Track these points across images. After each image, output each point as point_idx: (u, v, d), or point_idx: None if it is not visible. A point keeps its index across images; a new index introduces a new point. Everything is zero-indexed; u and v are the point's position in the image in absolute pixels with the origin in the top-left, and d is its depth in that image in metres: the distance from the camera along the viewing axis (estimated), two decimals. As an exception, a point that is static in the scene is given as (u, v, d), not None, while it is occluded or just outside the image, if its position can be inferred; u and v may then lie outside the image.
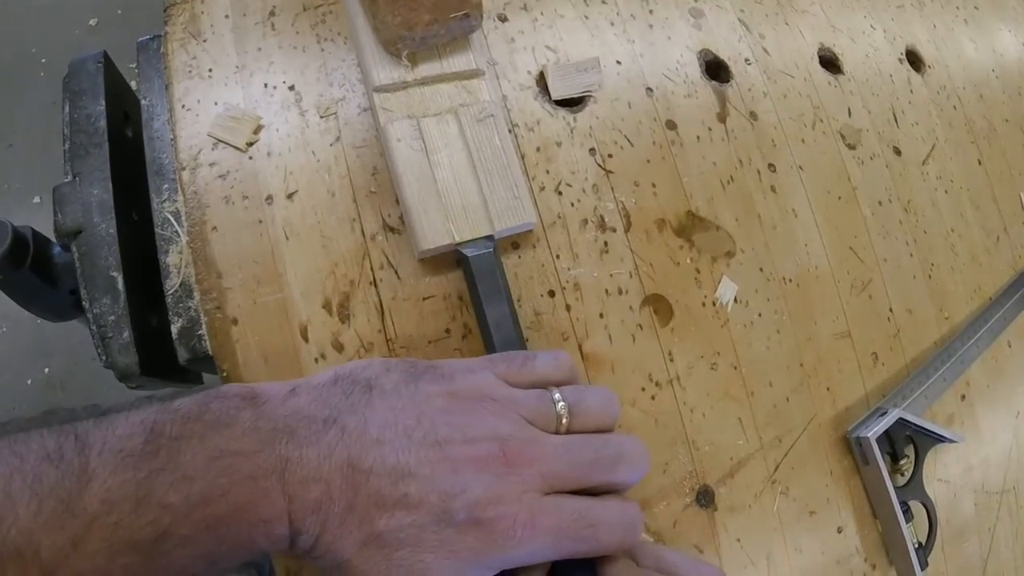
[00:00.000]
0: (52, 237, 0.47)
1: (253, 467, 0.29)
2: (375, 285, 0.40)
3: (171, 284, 0.40)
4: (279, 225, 0.41)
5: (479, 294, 0.38)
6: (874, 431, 0.46)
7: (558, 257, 0.43)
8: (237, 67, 0.44)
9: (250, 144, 0.42)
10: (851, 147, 0.54)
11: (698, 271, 0.46)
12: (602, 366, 0.42)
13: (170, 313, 0.40)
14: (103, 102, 0.47)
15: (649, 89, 0.49)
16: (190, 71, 0.44)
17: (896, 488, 0.47)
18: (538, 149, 0.45)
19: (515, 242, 0.43)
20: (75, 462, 0.27)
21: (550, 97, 0.46)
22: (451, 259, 0.41)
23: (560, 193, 0.44)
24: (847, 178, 0.53)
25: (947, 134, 0.61)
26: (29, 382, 1.35)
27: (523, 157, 0.44)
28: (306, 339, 0.39)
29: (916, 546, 0.47)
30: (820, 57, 0.57)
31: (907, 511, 0.47)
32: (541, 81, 0.47)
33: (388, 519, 0.30)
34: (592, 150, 0.46)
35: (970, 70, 0.66)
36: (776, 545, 0.44)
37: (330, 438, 0.30)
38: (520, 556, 0.31)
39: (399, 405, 0.32)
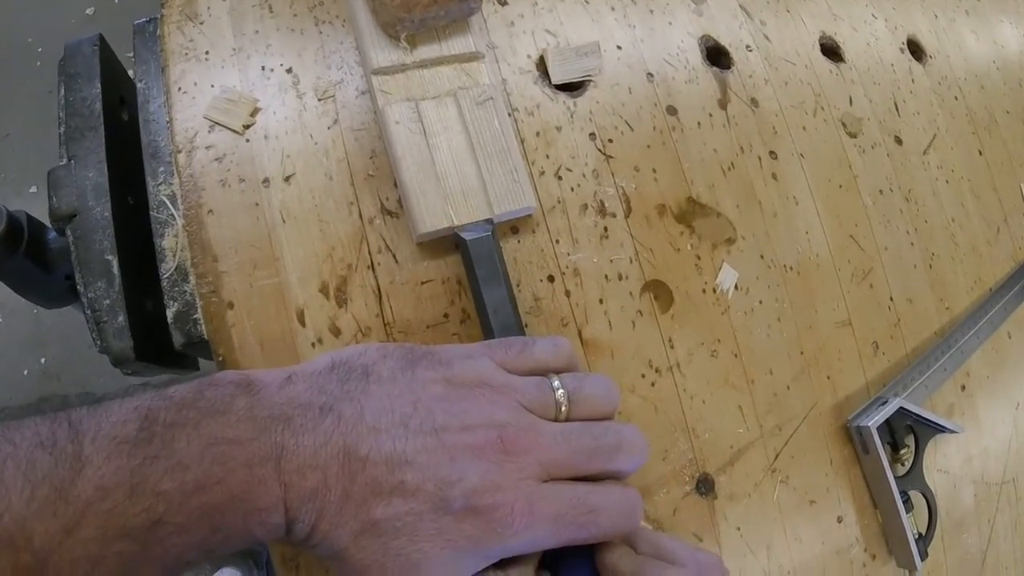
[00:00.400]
0: (48, 224, 0.46)
1: (248, 455, 0.29)
2: (373, 269, 0.40)
3: (166, 268, 0.40)
4: (276, 208, 0.40)
5: (477, 278, 0.38)
6: (875, 420, 0.46)
7: (558, 242, 0.43)
8: (234, 49, 0.43)
9: (247, 127, 0.41)
10: (852, 135, 0.54)
11: (698, 257, 0.45)
12: (601, 352, 0.42)
13: (165, 297, 0.39)
14: (99, 85, 0.46)
15: (650, 74, 0.48)
16: (186, 53, 0.43)
17: (896, 478, 0.46)
18: (538, 133, 0.44)
19: (514, 227, 0.42)
20: (69, 449, 0.26)
21: (550, 81, 0.46)
22: (450, 243, 0.41)
23: (560, 178, 0.44)
24: (848, 166, 0.53)
25: (948, 124, 0.61)
26: (25, 372, 1.34)
27: (523, 141, 0.44)
28: (303, 323, 0.39)
29: (916, 536, 0.46)
30: (821, 45, 0.56)
31: (907, 501, 0.47)
32: (541, 65, 0.46)
33: (385, 507, 0.29)
34: (592, 135, 0.45)
35: (971, 61, 0.66)
36: (776, 534, 0.44)
37: (326, 426, 0.30)
38: (519, 544, 0.31)
39: (396, 392, 0.32)
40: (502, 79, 0.45)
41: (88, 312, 0.41)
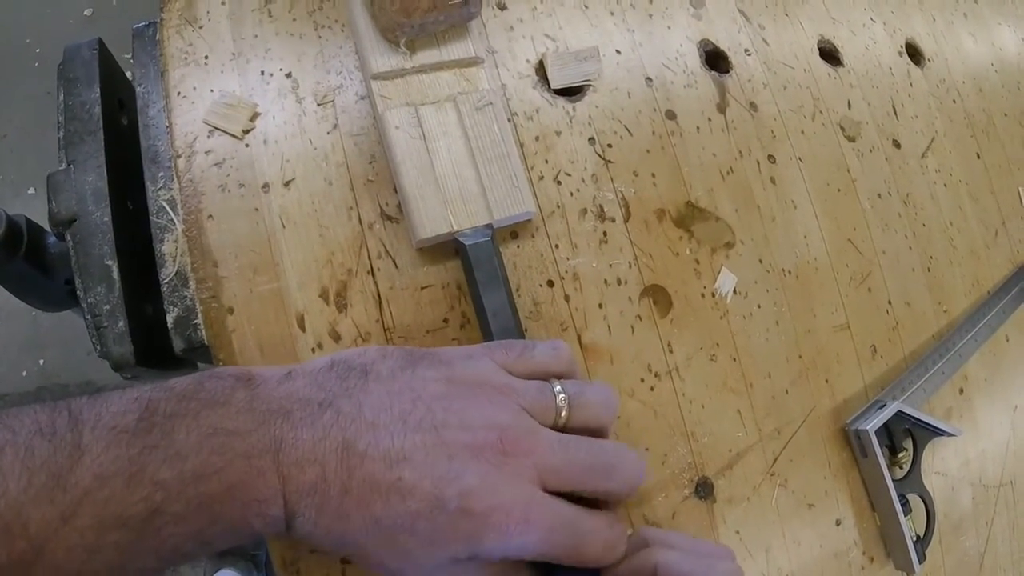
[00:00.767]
0: (47, 227, 0.46)
1: (247, 446, 0.29)
2: (372, 274, 0.40)
3: (166, 273, 0.40)
4: (276, 213, 0.40)
5: (477, 283, 0.38)
6: (873, 424, 0.46)
7: (557, 247, 0.43)
8: (233, 54, 0.43)
9: (246, 132, 0.41)
10: (851, 139, 0.54)
11: (697, 262, 0.45)
12: (601, 357, 0.42)
13: (165, 302, 0.39)
14: (98, 89, 0.46)
15: (649, 79, 0.48)
16: (186, 58, 0.43)
17: (895, 481, 0.46)
18: (537, 138, 0.44)
19: (514, 232, 0.42)
20: (68, 437, 0.26)
21: (549, 86, 0.46)
22: (449, 248, 0.41)
23: (559, 182, 0.44)
24: (846, 170, 0.53)
25: (946, 127, 0.61)
26: (24, 374, 1.34)
27: (522, 146, 0.44)
28: (303, 328, 0.39)
29: (914, 539, 0.46)
30: (820, 49, 0.57)
31: (905, 504, 0.47)
32: (540, 70, 0.46)
33: (384, 504, 0.30)
34: (591, 139, 0.45)
35: (969, 64, 0.66)
36: (775, 538, 0.44)
37: (325, 420, 0.30)
38: (509, 549, 0.31)
39: (395, 389, 0.32)
40: (501, 84, 0.45)
41: (88, 317, 0.41)
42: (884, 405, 0.48)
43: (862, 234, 0.52)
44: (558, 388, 0.34)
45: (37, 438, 0.26)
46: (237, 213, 0.40)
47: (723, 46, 0.52)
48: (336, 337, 0.39)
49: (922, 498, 0.49)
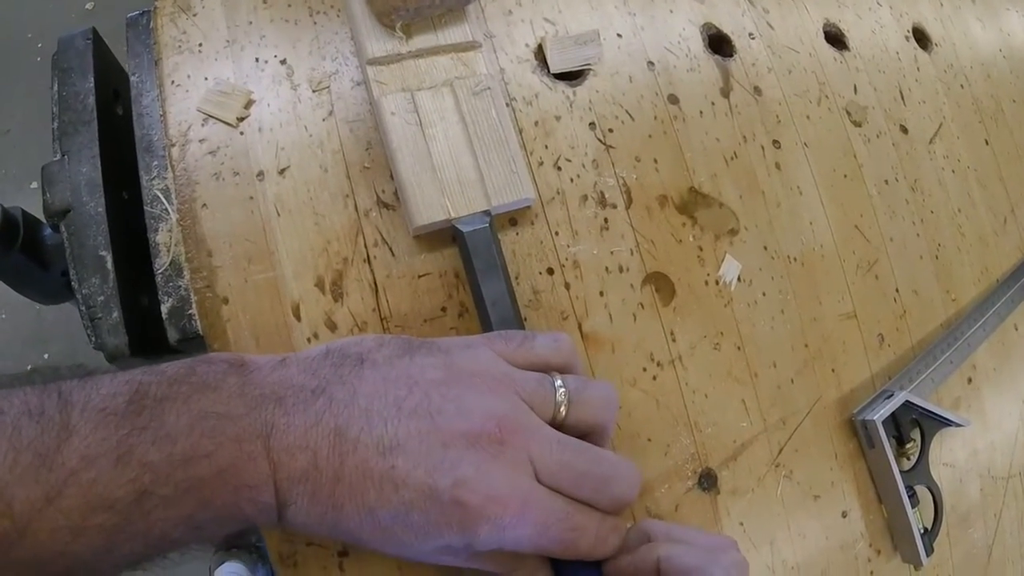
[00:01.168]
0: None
1: (238, 430, 0.28)
2: (369, 262, 0.39)
3: (161, 263, 0.39)
4: (270, 202, 0.40)
5: (475, 271, 0.37)
6: (880, 414, 0.45)
7: (557, 234, 0.42)
8: (228, 41, 0.43)
9: (241, 119, 0.41)
10: (857, 124, 0.53)
11: (701, 249, 0.45)
12: (602, 346, 0.41)
13: (160, 293, 0.39)
14: (92, 80, 0.45)
15: (650, 63, 0.48)
16: (179, 46, 0.43)
17: (902, 472, 0.46)
18: (536, 123, 0.44)
19: (513, 218, 0.42)
20: (56, 418, 0.26)
21: (549, 70, 0.45)
22: (447, 236, 0.40)
23: (559, 168, 0.43)
24: (853, 156, 0.52)
25: (954, 113, 0.60)
26: (29, 368, 1.34)
27: (521, 131, 0.43)
28: (298, 318, 0.38)
29: (922, 531, 0.46)
30: (825, 33, 0.56)
31: (913, 496, 0.46)
32: (539, 54, 0.45)
33: (378, 494, 0.29)
34: (592, 124, 0.45)
35: (977, 49, 0.65)
36: (779, 530, 0.43)
37: (318, 407, 0.30)
38: (502, 542, 0.30)
39: (391, 376, 0.31)
40: (500, 68, 0.44)
41: (83, 308, 0.41)
42: (891, 395, 0.47)
43: (869, 221, 0.51)
44: (559, 382, 0.33)
45: (25, 418, 0.26)
46: (232, 202, 0.39)
47: (727, 30, 0.51)
48: (332, 326, 0.38)
49: (930, 489, 0.48)
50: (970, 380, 0.53)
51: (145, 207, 0.40)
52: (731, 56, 0.50)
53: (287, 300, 0.38)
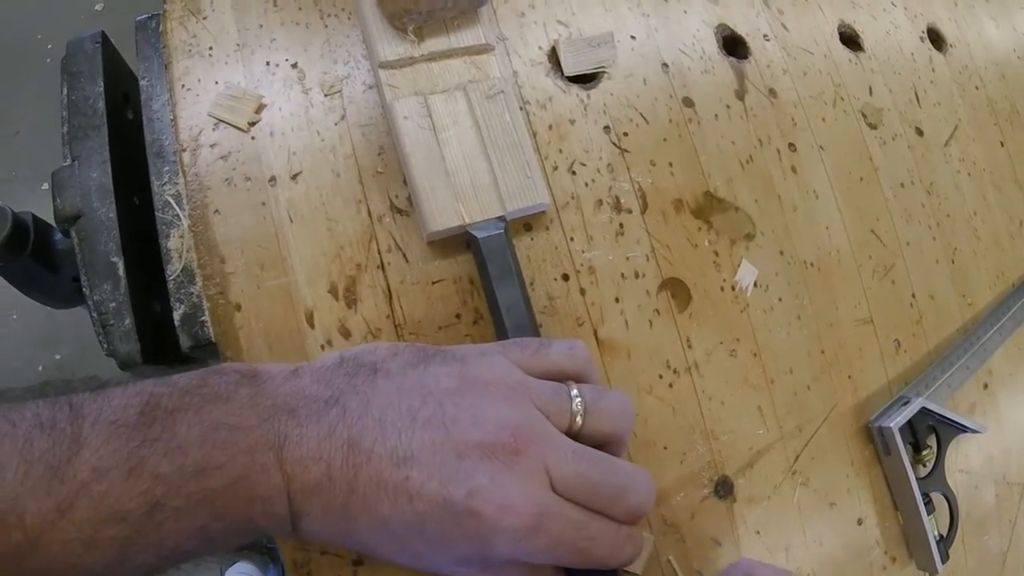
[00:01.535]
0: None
1: (250, 442, 0.28)
2: (383, 269, 0.39)
3: (172, 269, 0.39)
4: (283, 207, 0.39)
5: (490, 278, 0.37)
6: (897, 421, 0.45)
7: (572, 239, 0.42)
8: (238, 45, 0.43)
9: (252, 124, 0.41)
10: (872, 127, 0.53)
11: (717, 254, 0.44)
12: (618, 352, 0.41)
13: (172, 299, 0.38)
14: (101, 83, 0.45)
15: (665, 65, 0.47)
16: (190, 50, 0.42)
17: (918, 479, 0.45)
18: (550, 127, 0.43)
19: (527, 224, 0.41)
20: (67, 430, 0.26)
21: (562, 73, 0.45)
22: (461, 241, 0.40)
23: (574, 173, 0.43)
24: (869, 158, 0.52)
25: (969, 115, 0.59)
26: (40, 369, 1.35)
27: (535, 135, 0.43)
28: (312, 325, 0.38)
29: (937, 539, 0.45)
30: (840, 34, 0.55)
31: (929, 503, 0.45)
32: (553, 57, 0.45)
33: (392, 505, 0.29)
34: (607, 128, 0.44)
35: (992, 50, 0.65)
36: (795, 537, 0.43)
37: (331, 418, 0.29)
38: (517, 553, 0.30)
39: (405, 386, 0.31)
40: (513, 72, 0.44)
41: (94, 315, 0.41)
42: (908, 401, 0.46)
43: (885, 225, 0.51)
44: (575, 392, 0.33)
45: (37, 431, 0.26)
46: (244, 207, 0.39)
47: (741, 31, 0.50)
48: (346, 333, 0.38)
49: (945, 497, 0.47)
50: (986, 386, 0.52)
51: (156, 213, 0.40)
52: (746, 58, 0.50)
53: (300, 307, 0.38)
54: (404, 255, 0.39)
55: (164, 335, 0.41)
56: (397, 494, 0.29)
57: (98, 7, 1.60)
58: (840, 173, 0.50)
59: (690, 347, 0.42)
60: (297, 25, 0.43)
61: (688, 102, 0.47)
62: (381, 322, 0.38)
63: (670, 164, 0.45)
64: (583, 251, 0.42)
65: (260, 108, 0.41)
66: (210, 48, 0.42)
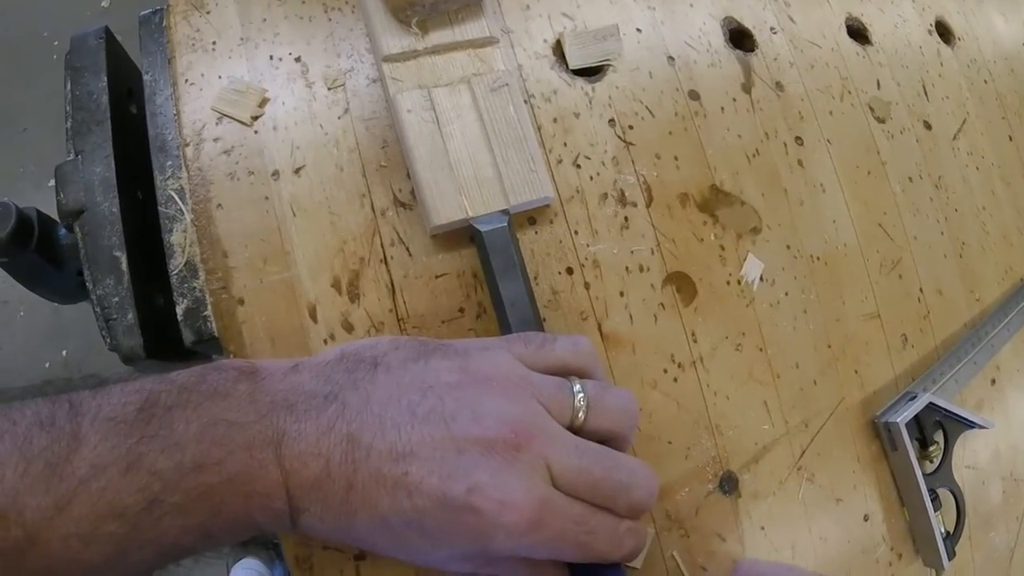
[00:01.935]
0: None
1: (249, 437, 0.28)
2: (386, 263, 0.39)
3: (175, 264, 0.39)
4: (286, 201, 0.39)
5: (493, 271, 0.37)
6: (903, 416, 0.44)
7: (576, 233, 0.41)
8: (241, 39, 0.42)
9: (255, 118, 0.40)
10: (880, 120, 0.52)
11: (722, 248, 0.44)
12: (622, 346, 0.41)
13: (175, 294, 0.38)
14: (104, 79, 0.45)
15: (671, 58, 0.47)
16: (193, 44, 0.42)
17: (925, 475, 0.45)
18: (555, 120, 0.43)
19: (531, 217, 0.41)
20: (67, 428, 0.26)
21: (567, 66, 0.44)
22: (465, 235, 0.39)
23: (578, 166, 0.42)
24: (876, 152, 0.51)
25: (978, 109, 0.59)
26: (47, 365, 1.35)
27: (539, 128, 0.42)
28: (315, 319, 0.38)
29: (944, 535, 0.45)
30: (848, 27, 0.55)
31: (935, 499, 0.45)
32: (558, 50, 0.45)
33: (391, 500, 0.29)
34: (612, 121, 0.44)
35: (1000, 44, 0.64)
36: (801, 533, 0.42)
37: (330, 413, 0.29)
38: (517, 548, 0.30)
39: (406, 380, 0.31)
40: (517, 64, 0.44)
41: (97, 309, 0.41)
42: (915, 397, 0.46)
43: (893, 219, 0.50)
44: (577, 387, 0.33)
45: (36, 428, 0.26)
46: (247, 202, 0.39)
47: (748, 24, 0.50)
48: (349, 328, 0.38)
49: (952, 493, 0.47)
50: (993, 381, 0.52)
51: (159, 207, 0.40)
52: (752, 51, 0.49)
53: (303, 301, 0.38)
54: (407, 249, 0.39)
55: (167, 329, 0.41)
56: (396, 489, 0.29)
57: (104, 3, 1.61)
58: (847, 167, 0.49)
59: (695, 341, 0.42)
60: (300, 19, 0.43)
61: (694, 95, 0.46)
62: (384, 316, 0.38)
63: (676, 157, 0.44)
64: (587, 245, 0.41)
65: (263, 102, 0.41)
66: (213, 42, 0.42)
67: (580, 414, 0.32)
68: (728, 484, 0.41)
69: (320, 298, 0.38)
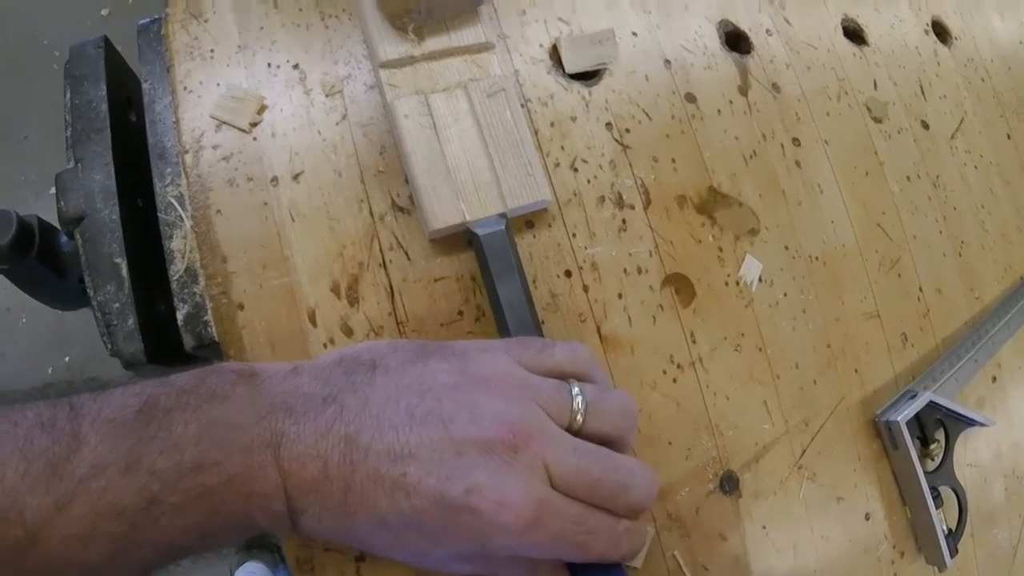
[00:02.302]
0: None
1: (247, 439, 0.28)
2: (385, 267, 0.39)
3: (175, 270, 0.39)
4: (285, 207, 0.39)
5: (492, 275, 0.37)
6: (904, 415, 0.44)
7: (574, 236, 0.41)
8: (239, 47, 0.43)
9: (254, 125, 0.41)
10: (877, 120, 0.52)
11: (721, 249, 0.44)
12: (621, 348, 0.41)
13: (175, 299, 0.38)
14: (104, 87, 0.45)
15: (667, 61, 0.47)
16: (191, 52, 0.43)
17: (926, 473, 0.45)
18: (552, 124, 0.43)
19: (529, 221, 0.41)
20: (67, 429, 0.27)
21: (564, 71, 0.45)
22: (463, 239, 0.40)
23: (576, 169, 0.43)
24: (874, 152, 0.51)
25: (975, 108, 0.59)
26: (50, 371, 1.36)
27: (536, 133, 0.43)
28: (314, 324, 0.38)
29: (946, 533, 0.45)
30: (844, 28, 0.55)
31: (937, 497, 0.45)
32: (554, 54, 0.45)
33: (389, 501, 0.29)
34: (608, 125, 0.44)
35: (997, 43, 0.64)
36: (802, 533, 0.42)
37: (328, 415, 0.30)
38: (516, 548, 0.30)
39: (404, 382, 0.31)
40: (514, 69, 0.44)
41: (98, 315, 0.41)
42: (915, 395, 0.46)
43: (891, 218, 0.50)
44: (576, 390, 0.33)
45: (37, 430, 0.26)
46: (246, 208, 0.39)
47: (743, 26, 0.50)
48: (348, 332, 0.38)
49: (954, 490, 0.47)
50: (994, 379, 0.52)
51: (159, 214, 0.40)
52: (748, 53, 0.50)
53: (303, 305, 0.38)
54: (406, 253, 0.39)
55: (168, 335, 0.41)
56: (394, 490, 0.29)
57: (104, 12, 1.61)
58: (845, 167, 0.50)
59: (694, 342, 0.42)
60: (298, 27, 0.43)
61: (691, 98, 0.46)
62: (383, 320, 0.38)
63: (673, 160, 0.45)
64: (586, 247, 0.41)
65: (262, 109, 0.41)
66: (211, 50, 0.43)
67: (579, 416, 0.32)
68: (728, 484, 0.41)
69: (319, 302, 0.38)
